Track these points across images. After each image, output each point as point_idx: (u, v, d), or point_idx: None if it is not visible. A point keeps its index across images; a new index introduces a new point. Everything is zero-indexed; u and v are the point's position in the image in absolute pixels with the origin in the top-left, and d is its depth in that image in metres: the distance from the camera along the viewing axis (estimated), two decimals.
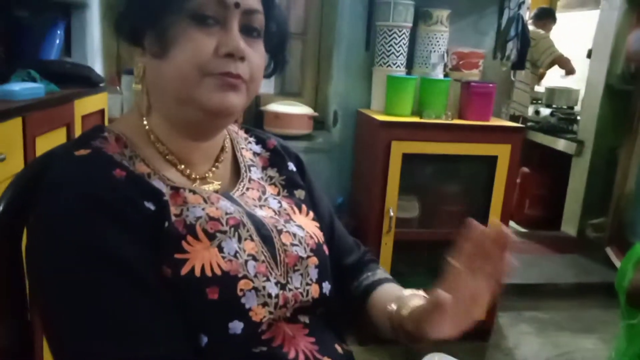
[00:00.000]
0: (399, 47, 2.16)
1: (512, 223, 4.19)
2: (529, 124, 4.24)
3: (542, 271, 3.02)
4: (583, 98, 3.84)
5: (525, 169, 4.23)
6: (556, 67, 4.14)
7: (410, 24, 2.16)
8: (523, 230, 4.06)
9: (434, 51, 2.16)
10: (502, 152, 2.11)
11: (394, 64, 2.18)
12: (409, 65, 2.24)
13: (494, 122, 2.18)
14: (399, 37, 2.15)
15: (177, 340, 0.60)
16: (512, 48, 2.22)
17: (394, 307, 0.72)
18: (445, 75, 2.23)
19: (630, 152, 3.10)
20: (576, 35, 4.39)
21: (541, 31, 3.87)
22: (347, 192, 2.39)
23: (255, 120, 2.36)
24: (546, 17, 4.03)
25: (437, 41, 2.17)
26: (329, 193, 2.34)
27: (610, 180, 3.40)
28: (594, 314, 2.58)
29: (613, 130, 3.46)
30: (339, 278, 0.80)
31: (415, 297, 0.72)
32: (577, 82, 4.24)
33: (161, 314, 0.60)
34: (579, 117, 3.86)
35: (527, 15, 3.74)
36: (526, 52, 2.26)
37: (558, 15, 4.68)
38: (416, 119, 2.11)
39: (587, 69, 3.73)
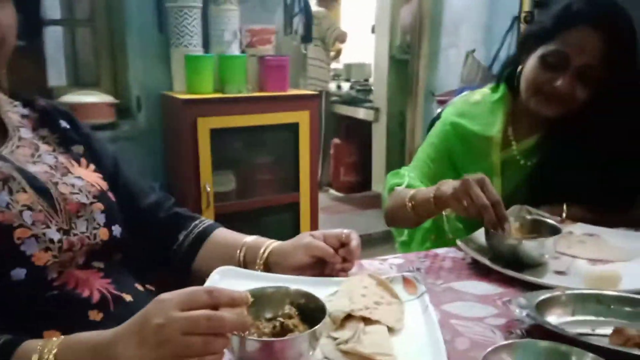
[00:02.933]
0: (192, 27, 2.20)
1: (331, 190, 4.55)
2: (334, 98, 4.62)
3: (357, 226, 3.33)
4: (374, 70, 4.30)
5: (337, 140, 4.61)
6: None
7: (200, 4, 2.21)
8: (341, 195, 4.43)
9: (227, 29, 2.24)
10: (302, 118, 2.29)
11: (190, 44, 2.21)
12: (206, 45, 2.30)
13: (292, 92, 2.35)
14: (191, 17, 2.19)
15: None
16: (298, 23, 2.41)
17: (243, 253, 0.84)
18: (243, 52, 2.34)
19: (414, 113, 3.57)
20: (361, 13, 4.87)
21: (322, 9, 4.20)
22: (163, 176, 2.37)
23: None
24: None
25: (229, 20, 2.25)
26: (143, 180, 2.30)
27: (404, 140, 3.89)
28: None
29: (400, 96, 3.94)
30: (136, 220, 0.84)
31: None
32: (368, 56, 4.72)
33: None
34: (373, 88, 4.32)
35: None
36: (310, 26, 2.47)
37: None
38: (219, 95, 2.18)
39: (373, 43, 4.18)
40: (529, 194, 1.16)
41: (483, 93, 1.25)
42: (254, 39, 2.34)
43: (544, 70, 1.10)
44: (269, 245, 0.83)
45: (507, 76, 1.23)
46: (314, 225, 2.43)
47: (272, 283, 0.76)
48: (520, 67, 1.17)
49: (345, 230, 0.83)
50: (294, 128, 2.30)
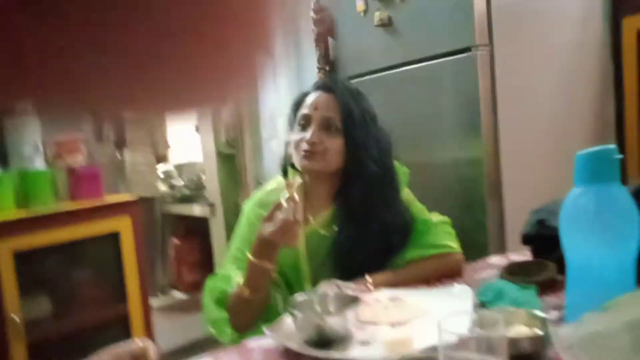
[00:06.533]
0: None
1: (175, 292, 4.32)
2: (168, 199, 4.51)
3: (201, 326, 3.19)
4: (204, 167, 4.33)
5: (175, 240, 4.46)
6: None
7: None
8: (186, 296, 4.22)
9: (26, 143, 2.10)
10: (123, 225, 2.18)
11: None
12: (4, 162, 2.11)
13: (109, 200, 2.24)
14: None
15: None
16: (109, 129, 2.36)
17: None
18: (50, 164, 2.19)
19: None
20: None
21: None
22: None
23: None
24: None
25: (27, 134, 2.12)
26: None
27: None
28: None
29: (233, 188, 3.99)
30: None
31: None
32: (198, 155, 4.75)
33: None
34: (205, 184, 4.32)
35: None
36: (123, 131, 2.44)
37: None
38: (22, 214, 1.99)
39: (200, 142, 4.23)
40: (335, 266, 1.22)
41: (278, 181, 1.32)
42: (60, 150, 2.22)
43: (298, 134, 1.24)
44: None
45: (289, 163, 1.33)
46: (150, 335, 2.26)
47: None
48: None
49: (140, 343, 0.78)
50: (113, 237, 2.18)
